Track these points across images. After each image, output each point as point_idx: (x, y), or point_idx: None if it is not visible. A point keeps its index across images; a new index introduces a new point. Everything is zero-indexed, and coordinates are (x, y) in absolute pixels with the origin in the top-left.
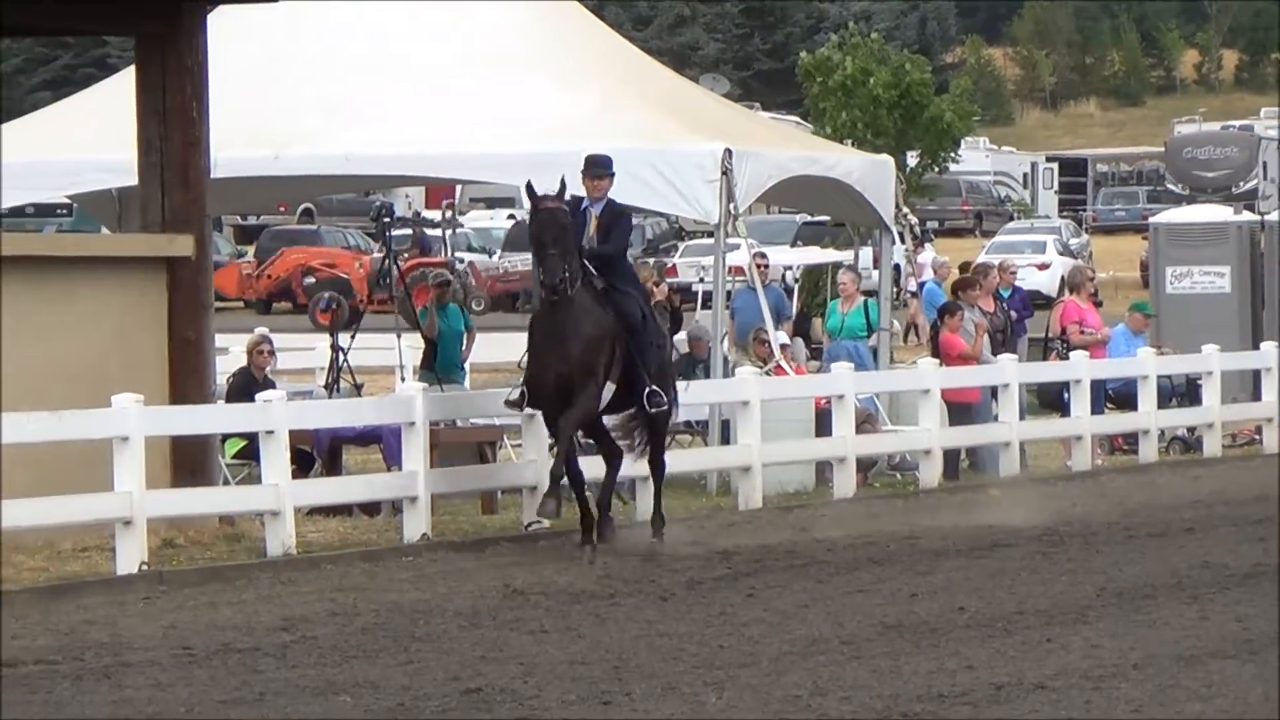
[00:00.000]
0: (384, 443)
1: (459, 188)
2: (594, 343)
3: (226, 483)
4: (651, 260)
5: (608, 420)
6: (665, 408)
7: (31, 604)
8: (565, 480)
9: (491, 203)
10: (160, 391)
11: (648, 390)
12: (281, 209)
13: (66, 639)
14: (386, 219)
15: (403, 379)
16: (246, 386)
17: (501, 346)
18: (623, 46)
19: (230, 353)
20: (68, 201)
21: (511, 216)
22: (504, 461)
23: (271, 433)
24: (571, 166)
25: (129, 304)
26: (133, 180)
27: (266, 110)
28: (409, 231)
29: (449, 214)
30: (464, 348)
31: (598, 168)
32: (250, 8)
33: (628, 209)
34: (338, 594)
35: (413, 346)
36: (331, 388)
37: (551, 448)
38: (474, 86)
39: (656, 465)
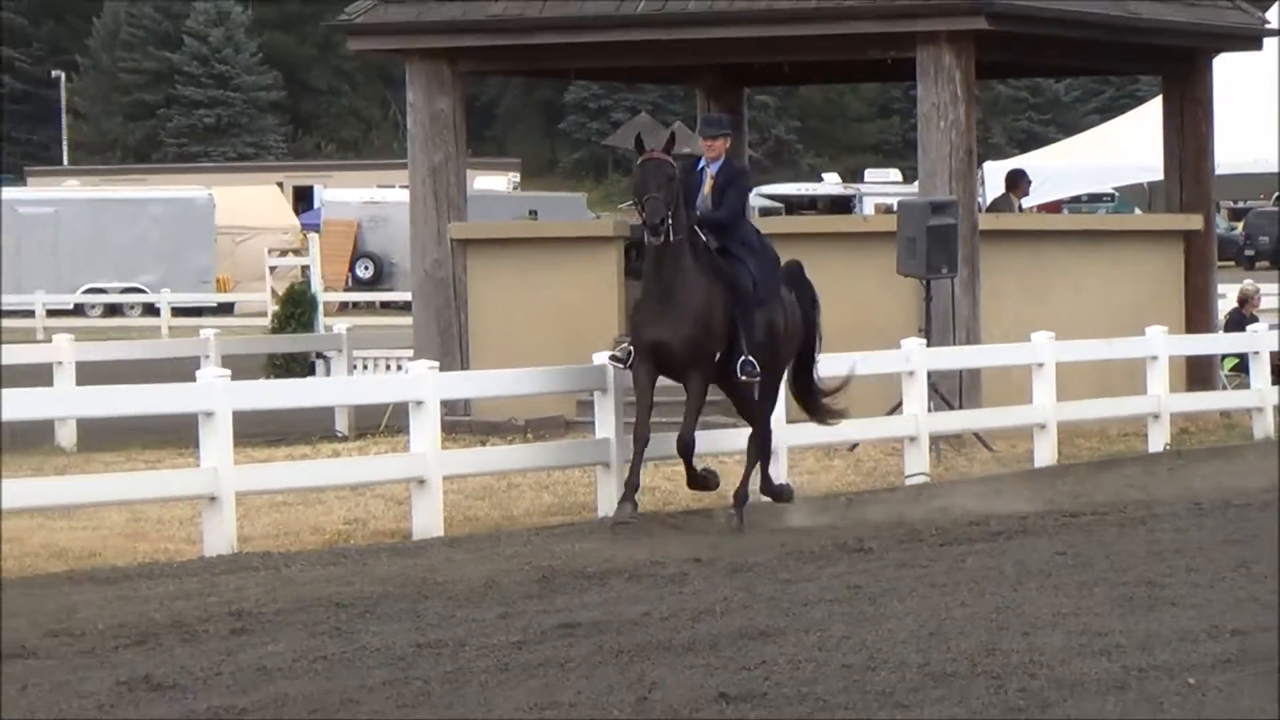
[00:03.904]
0: None
1: None
2: (705, 321)
3: (1223, 388)
4: None
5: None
6: (757, 378)
7: (1086, 475)
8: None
9: None
10: (1178, 324)
11: (741, 359)
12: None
13: (1112, 498)
14: None
15: None
16: (1239, 322)
17: None
18: None
19: (1225, 297)
20: (1112, 191)
21: None
22: None
23: (1257, 353)
24: None
25: (1158, 263)
26: (1159, 176)
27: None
28: None
29: None
30: None
31: (713, 127)
32: (1253, 55)
33: (746, 167)
34: None
35: None
36: None
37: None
38: None
39: (755, 440)
